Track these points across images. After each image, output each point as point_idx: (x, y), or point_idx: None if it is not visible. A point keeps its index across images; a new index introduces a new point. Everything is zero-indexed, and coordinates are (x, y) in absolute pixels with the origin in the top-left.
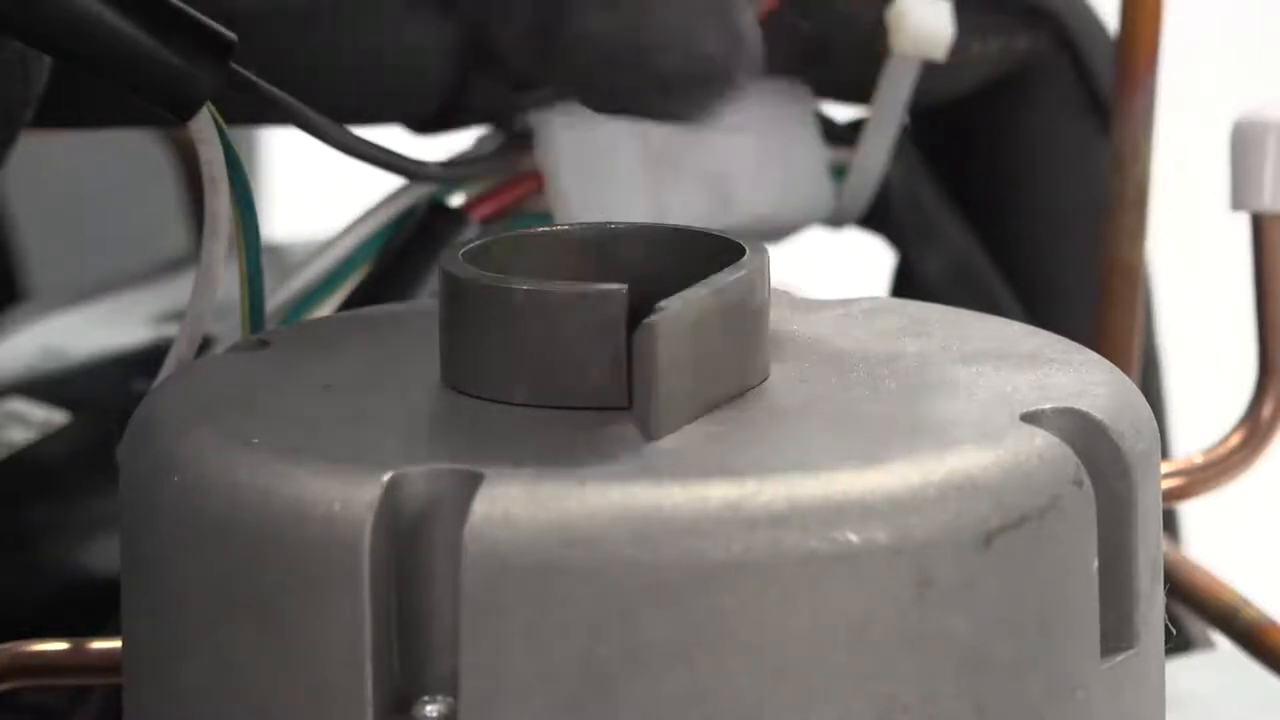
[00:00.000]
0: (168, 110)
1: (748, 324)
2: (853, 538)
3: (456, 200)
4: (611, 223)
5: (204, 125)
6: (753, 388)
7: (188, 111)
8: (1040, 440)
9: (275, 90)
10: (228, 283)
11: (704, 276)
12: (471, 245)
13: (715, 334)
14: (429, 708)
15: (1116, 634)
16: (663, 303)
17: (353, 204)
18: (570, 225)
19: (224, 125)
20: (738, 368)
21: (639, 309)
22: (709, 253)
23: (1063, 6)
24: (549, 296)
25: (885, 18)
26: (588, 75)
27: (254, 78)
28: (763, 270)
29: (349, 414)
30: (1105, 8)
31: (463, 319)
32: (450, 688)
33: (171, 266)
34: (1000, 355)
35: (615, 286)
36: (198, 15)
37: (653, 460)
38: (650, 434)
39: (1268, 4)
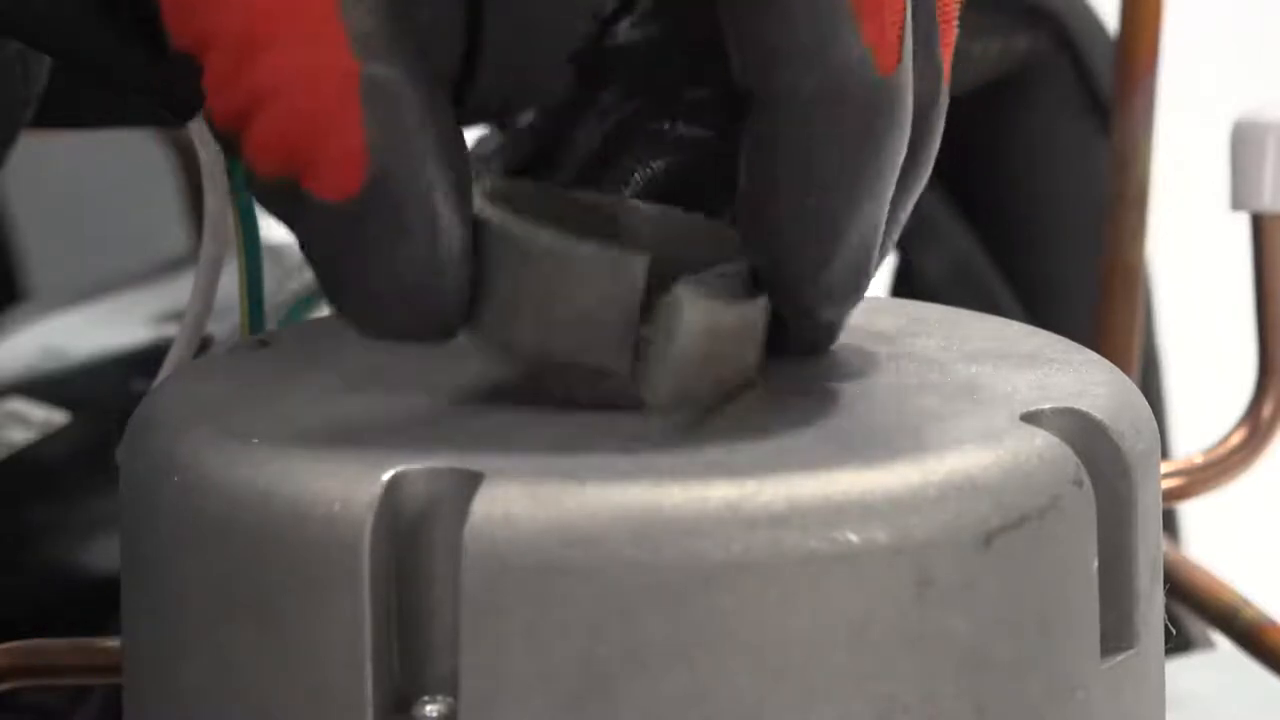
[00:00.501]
0: (167, 110)
1: (750, 321)
2: (853, 538)
3: None
4: (625, 198)
5: (204, 125)
6: (752, 388)
7: (188, 111)
8: (1040, 440)
9: None
10: (228, 283)
11: (708, 266)
12: (493, 188)
13: (726, 321)
14: (429, 708)
15: (1116, 634)
16: (689, 277)
17: None
18: (586, 192)
19: None
20: (740, 365)
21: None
22: (715, 245)
23: (1063, 6)
24: (573, 252)
25: None
26: None
27: None
28: None
29: (349, 414)
30: (1105, 8)
31: (479, 259)
32: (450, 688)
33: (171, 266)
34: (1000, 355)
35: (639, 254)
36: None
37: (653, 460)
38: (653, 399)
39: (1268, 4)
